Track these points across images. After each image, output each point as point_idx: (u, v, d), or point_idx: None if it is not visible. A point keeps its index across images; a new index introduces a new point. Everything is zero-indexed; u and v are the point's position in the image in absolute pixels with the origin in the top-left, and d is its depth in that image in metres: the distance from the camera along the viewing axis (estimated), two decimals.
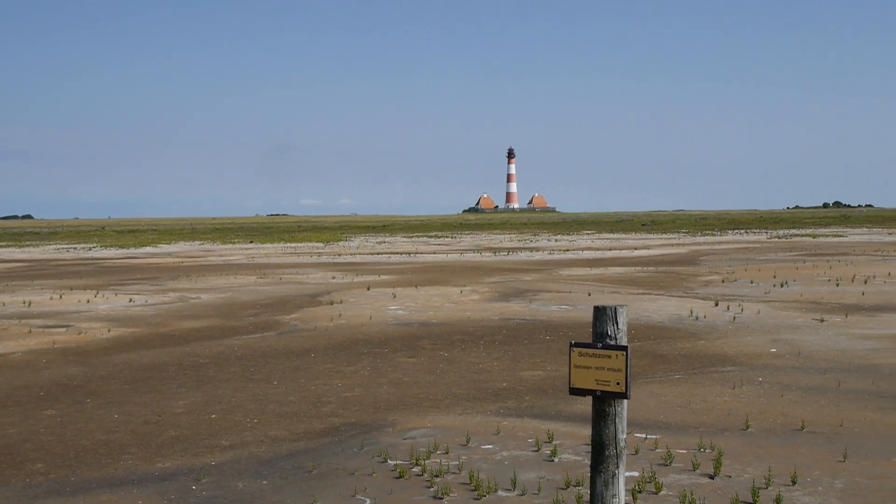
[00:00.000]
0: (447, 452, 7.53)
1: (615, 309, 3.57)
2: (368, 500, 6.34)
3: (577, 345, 3.71)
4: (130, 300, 21.91)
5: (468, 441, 7.89)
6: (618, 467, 3.57)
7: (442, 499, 6.34)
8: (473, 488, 6.49)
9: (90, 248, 60.50)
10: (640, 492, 6.33)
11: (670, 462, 7.09)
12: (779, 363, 11.96)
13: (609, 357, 3.55)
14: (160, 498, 6.66)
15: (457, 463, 7.19)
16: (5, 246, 68.27)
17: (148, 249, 57.66)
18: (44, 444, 8.47)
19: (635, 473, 6.72)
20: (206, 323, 17.42)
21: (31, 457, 8.00)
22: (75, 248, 61.27)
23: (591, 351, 3.60)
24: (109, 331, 16.35)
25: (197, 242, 69.06)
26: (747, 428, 8.27)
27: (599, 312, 3.59)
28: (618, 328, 3.57)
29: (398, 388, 10.80)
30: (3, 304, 21.36)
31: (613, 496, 3.56)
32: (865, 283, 23.27)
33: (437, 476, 6.82)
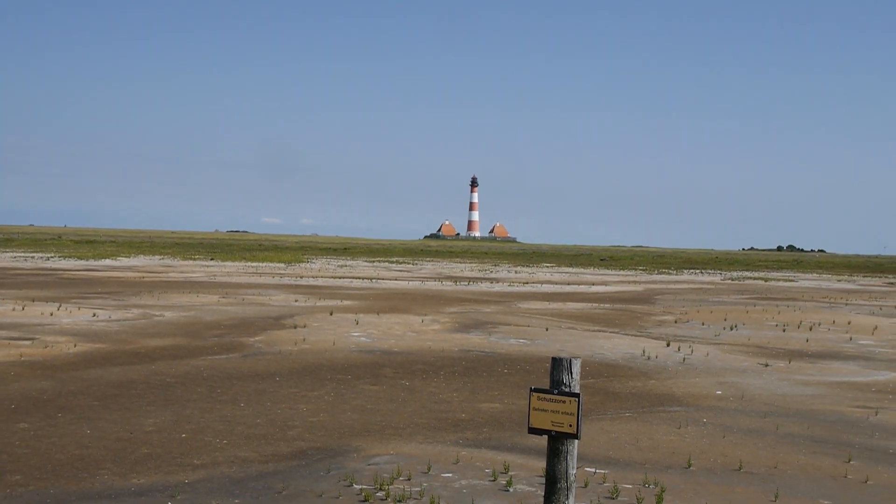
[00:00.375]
0: (409, 479, 8.02)
1: (570, 361, 4.13)
2: None
3: (536, 390, 4.25)
4: (94, 315, 22.07)
5: (429, 469, 8.38)
6: (568, 499, 4.11)
7: None
8: None
9: (48, 258, 59.95)
10: None
11: (616, 496, 7.66)
12: (723, 405, 12.63)
13: (563, 402, 4.10)
14: None
15: (419, 489, 7.68)
16: None
17: (107, 262, 57.32)
18: (20, 456, 8.79)
19: None
20: (171, 342, 17.71)
21: (8, 468, 8.33)
22: (33, 258, 60.67)
23: (548, 396, 4.14)
24: (76, 346, 16.57)
25: (157, 257, 68.73)
26: (689, 466, 8.87)
27: (557, 363, 4.15)
28: (572, 377, 4.12)
29: (362, 415, 11.26)
30: None
31: None
32: (811, 329, 24.22)
33: (399, 501, 7.31)
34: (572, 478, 4.10)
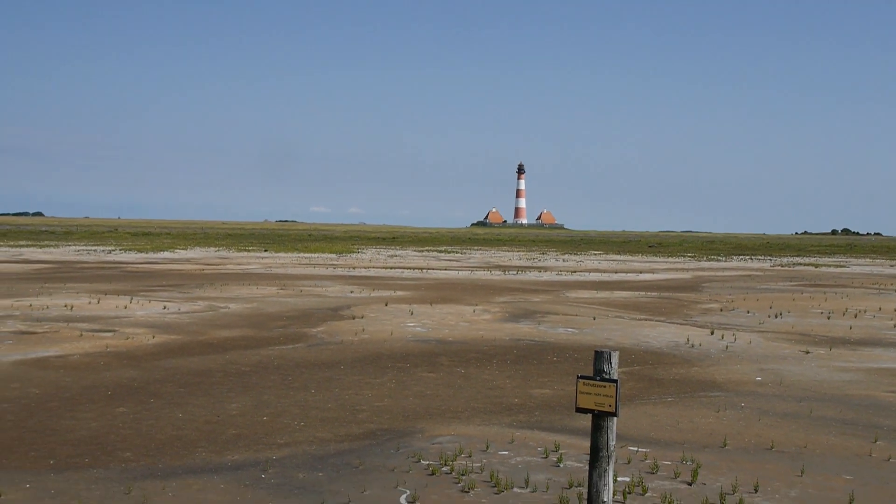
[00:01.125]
0: (470, 456, 8.99)
1: (609, 353, 5.03)
2: (408, 492, 7.80)
3: (582, 377, 5.16)
4: (164, 307, 23.44)
5: (487, 447, 9.35)
6: (608, 464, 5.02)
7: (468, 492, 7.80)
8: (494, 485, 7.95)
9: (109, 251, 62.18)
10: (629, 493, 7.77)
11: (656, 471, 8.54)
12: (762, 391, 13.39)
13: (604, 387, 5.00)
14: (237, 484, 8.14)
15: (479, 465, 8.65)
16: (26, 245, 70.03)
17: (166, 254, 59.31)
18: (125, 436, 9.96)
19: (626, 479, 8.16)
20: (239, 333, 18.92)
21: (119, 447, 9.49)
22: (94, 251, 62.96)
23: (591, 382, 5.05)
24: (154, 337, 17.86)
25: (212, 249, 70.73)
26: (725, 446, 9.71)
27: (598, 355, 5.06)
28: (611, 366, 5.02)
29: (422, 400, 12.27)
30: (47, 307, 22.90)
31: (605, 484, 5.02)
32: (856, 317, 24.65)
33: (463, 474, 8.28)
34: (612, 448, 5.01)
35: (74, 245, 73.61)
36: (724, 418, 11.25)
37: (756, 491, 7.95)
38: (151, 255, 57.50)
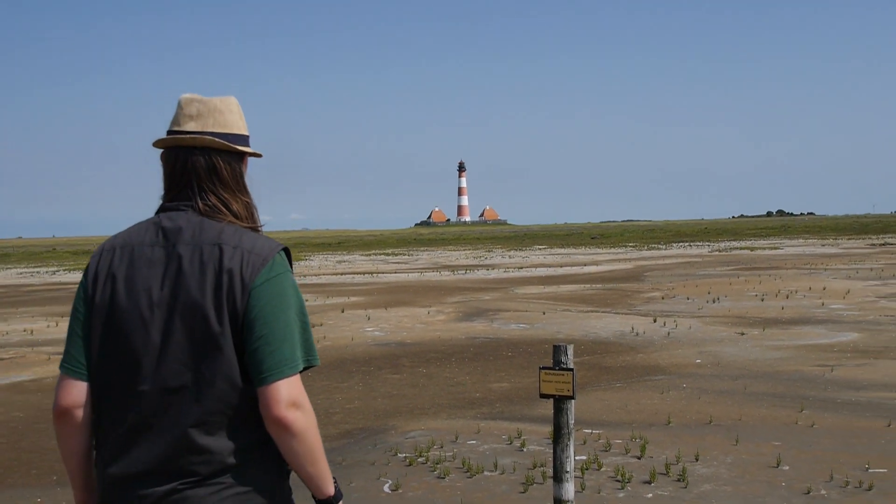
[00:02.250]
0: (442, 447, 9.90)
1: (566, 346, 5.99)
2: (390, 481, 8.67)
3: (543, 368, 6.10)
4: None
5: (456, 438, 10.26)
6: (569, 440, 5.96)
7: (444, 478, 8.71)
8: (466, 470, 8.87)
9: (54, 272, 61.59)
10: (586, 469, 8.76)
11: (609, 449, 9.55)
12: (701, 372, 14.55)
13: (563, 374, 5.94)
14: None
15: (451, 454, 9.56)
16: None
17: None
18: None
19: (583, 457, 9.15)
20: None
21: None
22: (38, 272, 62.32)
23: (552, 371, 5.98)
24: None
25: None
26: (669, 423, 10.77)
27: (557, 348, 6.01)
28: (568, 357, 5.97)
29: (391, 400, 13.14)
30: (6, 333, 23.18)
31: (567, 457, 5.97)
32: (787, 297, 26.20)
33: (437, 463, 9.18)
34: (571, 427, 5.96)
35: (15, 268, 72.61)
36: (668, 399, 12.34)
37: (697, 460, 9.00)
38: None
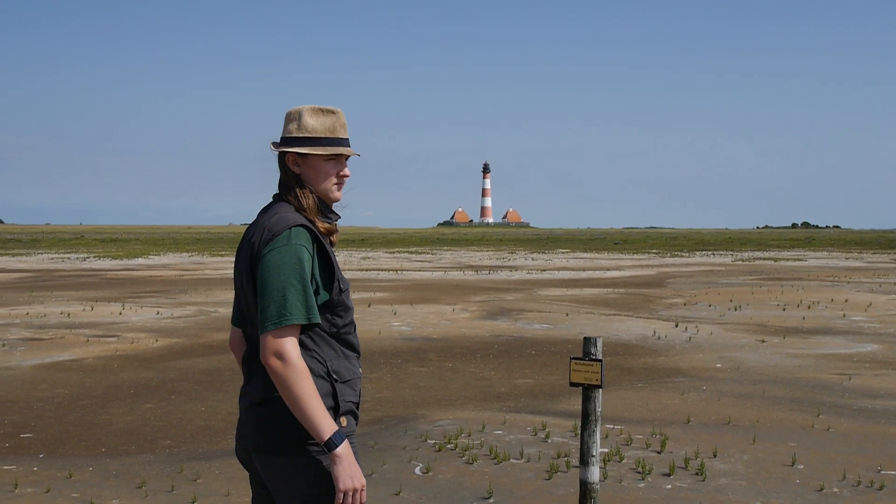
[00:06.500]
0: (469, 435, 10.35)
1: (595, 339, 6.41)
2: (421, 465, 9.13)
3: (574, 358, 6.53)
4: (158, 312, 24.51)
5: (483, 428, 10.71)
6: (596, 427, 6.39)
7: (472, 463, 9.16)
8: (493, 457, 9.31)
9: (84, 259, 62.64)
10: (609, 461, 9.17)
11: (630, 443, 9.96)
12: (721, 376, 14.90)
13: (592, 365, 6.36)
14: None
15: (478, 442, 10.01)
16: None
17: (141, 261, 59.95)
18: (160, 427, 11.18)
19: (606, 450, 9.56)
20: None
21: (157, 436, 10.71)
22: (68, 258, 63.39)
23: (582, 361, 6.41)
24: (157, 341, 18.99)
25: (185, 254, 71.38)
26: (688, 422, 11.16)
27: (587, 340, 6.44)
28: (597, 349, 6.39)
29: (418, 391, 13.60)
30: (44, 315, 23.87)
31: (594, 442, 6.39)
32: (809, 308, 26.40)
33: (466, 450, 9.63)
34: (598, 414, 6.38)
35: (46, 253, 73.81)
36: (688, 399, 12.71)
37: (715, 456, 9.39)
38: (127, 262, 58.12)
